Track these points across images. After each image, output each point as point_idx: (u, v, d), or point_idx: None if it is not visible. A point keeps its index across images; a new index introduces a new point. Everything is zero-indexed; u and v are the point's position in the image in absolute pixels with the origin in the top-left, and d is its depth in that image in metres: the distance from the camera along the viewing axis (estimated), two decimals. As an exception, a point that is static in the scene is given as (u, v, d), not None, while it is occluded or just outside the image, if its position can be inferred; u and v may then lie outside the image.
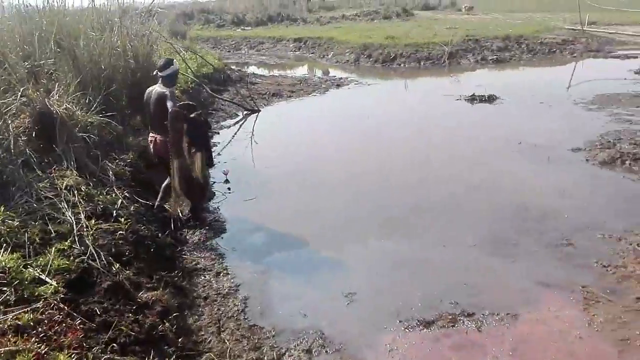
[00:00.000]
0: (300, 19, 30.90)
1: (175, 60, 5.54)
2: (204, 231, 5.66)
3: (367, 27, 25.57)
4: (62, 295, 3.30)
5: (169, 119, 5.02)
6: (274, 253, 5.26)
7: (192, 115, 5.05)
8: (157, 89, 5.31)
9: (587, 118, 9.81)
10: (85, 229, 4.26)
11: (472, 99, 11.88)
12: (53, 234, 4.06)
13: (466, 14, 32.97)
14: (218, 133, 10.06)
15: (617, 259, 4.74)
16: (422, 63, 18.08)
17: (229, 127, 10.57)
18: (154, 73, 5.47)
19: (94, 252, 3.95)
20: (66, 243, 3.97)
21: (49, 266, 3.61)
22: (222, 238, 5.57)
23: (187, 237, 5.53)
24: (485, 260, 4.85)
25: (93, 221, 4.39)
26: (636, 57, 17.54)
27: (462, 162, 7.61)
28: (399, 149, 8.50)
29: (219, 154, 8.58)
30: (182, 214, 5.62)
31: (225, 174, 7.43)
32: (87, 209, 4.61)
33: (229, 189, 7.04)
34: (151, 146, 5.53)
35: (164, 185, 5.60)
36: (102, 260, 3.91)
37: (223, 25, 31.47)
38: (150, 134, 5.56)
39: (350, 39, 21.29)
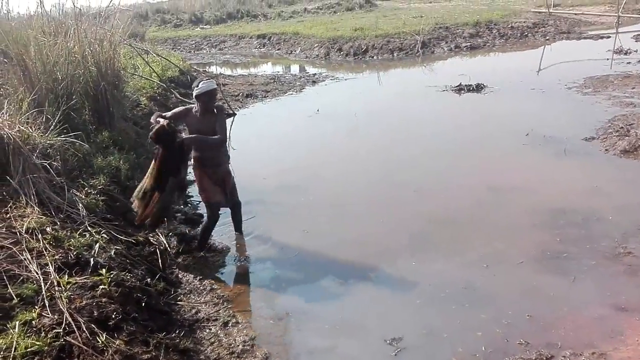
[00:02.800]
0: (261, 14, 29.79)
1: (211, 80, 4.58)
2: (199, 266, 4.76)
3: (331, 19, 24.75)
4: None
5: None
6: (288, 289, 4.41)
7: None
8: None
9: (587, 103, 9.29)
10: (56, 288, 3.32)
11: (459, 89, 11.25)
12: (15, 300, 3.11)
13: (429, 2, 32.57)
14: (193, 142, 9.06)
15: (689, 268, 4.10)
16: (395, 54, 17.41)
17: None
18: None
19: (71, 321, 3.02)
20: (34, 311, 3.04)
21: (12, 351, 2.69)
22: (222, 274, 4.68)
23: (180, 276, 4.61)
24: (542, 282, 4.13)
25: (66, 276, 3.45)
26: (609, 37, 17.38)
27: (476, 161, 6.92)
28: (402, 150, 7.71)
29: (199, 168, 7.63)
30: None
31: (211, 192, 6.52)
32: (57, 257, 3.65)
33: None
34: None
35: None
36: (84, 332, 2.99)
37: (180, 25, 30.07)
38: None
39: (316, 33, 20.45)
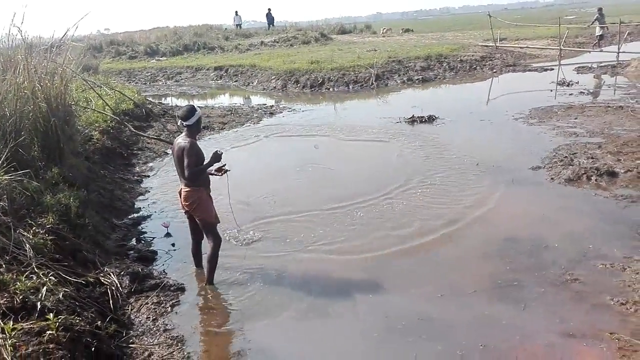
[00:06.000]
0: (218, 47, 29.92)
1: (197, 107, 4.87)
2: (152, 306, 4.63)
3: (287, 52, 25.12)
4: None
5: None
6: (244, 327, 4.32)
7: None
8: (179, 140, 4.77)
9: (533, 133, 9.72)
10: (0, 335, 3.16)
11: (412, 120, 11.57)
12: (-47, 351, 2.95)
13: (382, 37, 33.61)
14: (148, 176, 8.93)
15: (632, 293, 4.29)
16: (350, 86, 17.79)
17: (159, 168, 9.44)
18: (178, 124, 5.17)
19: (14, 372, 2.88)
20: (-27, 363, 2.88)
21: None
22: (176, 313, 4.56)
23: (132, 317, 4.46)
24: (494, 310, 4.23)
25: (11, 321, 3.29)
26: (552, 69, 18.35)
27: (427, 192, 7.05)
28: (353, 182, 7.81)
29: (153, 202, 7.50)
30: None
31: (166, 227, 6.41)
32: (1, 302, 3.50)
33: (172, 245, 6.02)
34: (179, 197, 4.93)
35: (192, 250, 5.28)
36: (28, 382, 2.85)
37: (135, 57, 29.81)
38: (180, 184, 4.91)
39: (273, 66, 20.70)
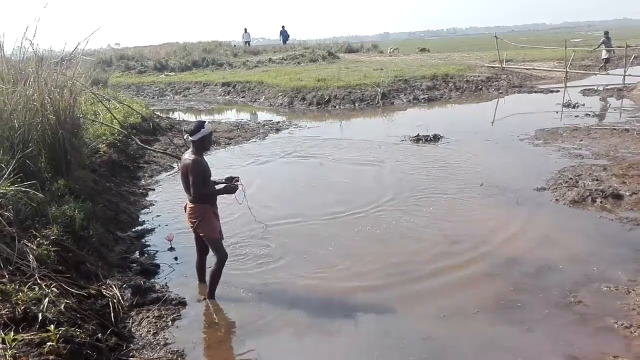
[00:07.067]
0: (227, 63, 30.25)
1: (207, 122, 4.77)
2: (153, 319, 4.63)
3: (295, 70, 25.33)
4: None
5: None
6: (245, 341, 4.32)
7: None
8: (185, 155, 4.75)
9: (538, 154, 9.72)
10: (1, 345, 3.17)
11: (417, 139, 11.59)
12: (-47, 360, 2.95)
13: (389, 56, 33.86)
14: (153, 189, 8.98)
15: (636, 316, 4.25)
16: (356, 104, 17.90)
17: (165, 182, 9.49)
18: (185, 138, 4.98)
19: (14, 383, 2.88)
20: (-27, 373, 2.88)
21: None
22: (177, 327, 4.55)
23: (133, 330, 4.46)
24: (497, 332, 4.20)
25: (12, 332, 3.30)
26: (558, 91, 18.41)
27: (432, 212, 7.04)
28: (359, 200, 7.80)
29: (158, 215, 7.53)
30: None
31: (170, 240, 6.42)
32: (3, 312, 3.51)
33: (175, 258, 6.03)
34: (185, 212, 4.94)
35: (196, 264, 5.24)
36: (27, 394, 2.85)
37: (145, 72, 30.17)
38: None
39: (280, 83, 20.87)
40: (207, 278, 5.04)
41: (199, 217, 4.75)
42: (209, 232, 4.81)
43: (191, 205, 4.76)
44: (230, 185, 4.84)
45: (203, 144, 4.73)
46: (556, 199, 7.14)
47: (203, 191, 4.65)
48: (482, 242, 5.95)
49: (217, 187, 4.95)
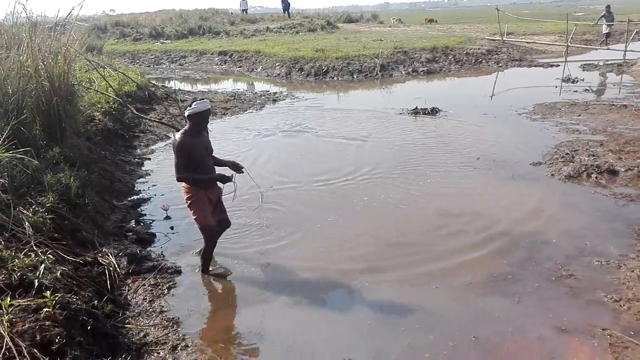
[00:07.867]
0: (223, 31, 29.82)
1: (205, 100, 4.47)
2: (149, 287, 4.67)
3: (293, 40, 25.00)
4: None
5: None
6: (240, 311, 4.39)
7: None
8: (177, 133, 4.53)
9: (536, 129, 9.70)
10: (-3, 310, 3.20)
11: (415, 112, 11.55)
12: (-49, 323, 2.98)
13: (389, 27, 33.41)
14: (149, 159, 8.95)
15: (626, 290, 4.31)
16: (354, 76, 17.74)
17: (161, 150, 9.46)
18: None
19: (12, 346, 2.91)
20: (-29, 336, 2.91)
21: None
22: (172, 295, 4.59)
23: (129, 298, 4.50)
24: (488, 302, 4.25)
25: (8, 298, 3.32)
26: (558, 66, 18.25)
27: (428, 185, 7.06)
28: (354, 174, 7.79)
29: (154, 185, 7.53)
30: None
31: (165, 210, 6.43)
32: (0, 279, 3.53)
33: (171, 228, 6.05)
34: None
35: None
36: (25, 357, 2.89)
37: (140, 39, 29.74)
38: None
39: (278, 52, 20.63)
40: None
41: (189, 199, 4.58)
42: (197, 218, 4.62)
43: (183, 185, 4.61)
44: (224, 176, 4.61)
45: (197, 122, 4.37)
46: (552, 174, 7.15)
47: (181, 176, 4.45)
48: (476, 216, 5.97)
49: (217, 167, 4.69)
